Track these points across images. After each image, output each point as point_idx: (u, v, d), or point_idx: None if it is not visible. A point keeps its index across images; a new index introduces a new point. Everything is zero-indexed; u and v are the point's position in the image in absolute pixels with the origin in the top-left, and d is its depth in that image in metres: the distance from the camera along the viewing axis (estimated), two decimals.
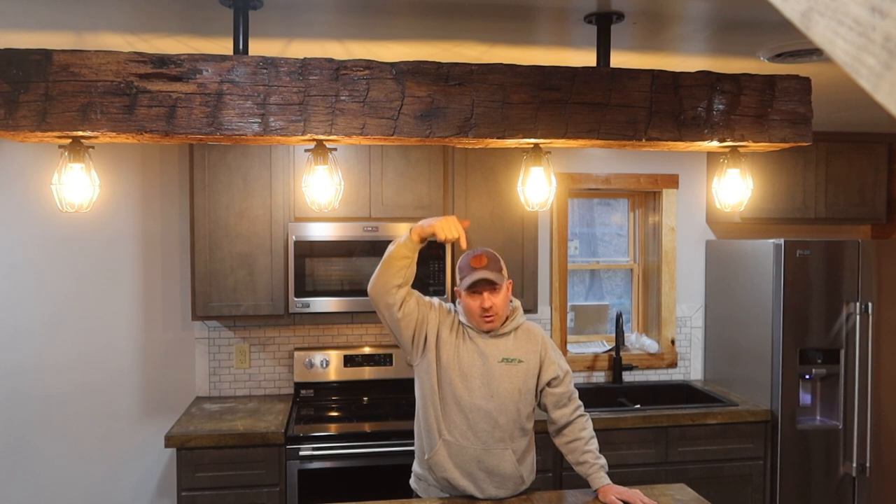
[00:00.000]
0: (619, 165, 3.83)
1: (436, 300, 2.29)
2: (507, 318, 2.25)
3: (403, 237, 2.14)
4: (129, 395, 3.46)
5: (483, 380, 2.18)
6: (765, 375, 3.35)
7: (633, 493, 2.14)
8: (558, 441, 2.29)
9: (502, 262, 2.23)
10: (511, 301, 2.30)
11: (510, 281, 2.25)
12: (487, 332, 2.21)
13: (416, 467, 2.34)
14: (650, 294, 4.05)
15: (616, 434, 3.15)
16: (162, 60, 1.77)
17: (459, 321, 2.26)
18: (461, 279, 2.20)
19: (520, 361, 2.21)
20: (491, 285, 2.15)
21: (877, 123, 3.58)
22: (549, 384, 2.25)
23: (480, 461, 2.19)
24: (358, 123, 1.84)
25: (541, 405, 2.30)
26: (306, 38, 2.17)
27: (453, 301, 2.65)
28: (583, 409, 2.29)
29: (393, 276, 2.13)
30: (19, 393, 3.37)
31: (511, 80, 1.90)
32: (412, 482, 2.36)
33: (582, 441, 2.24)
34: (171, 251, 3.48)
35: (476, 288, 2.16)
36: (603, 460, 2.22)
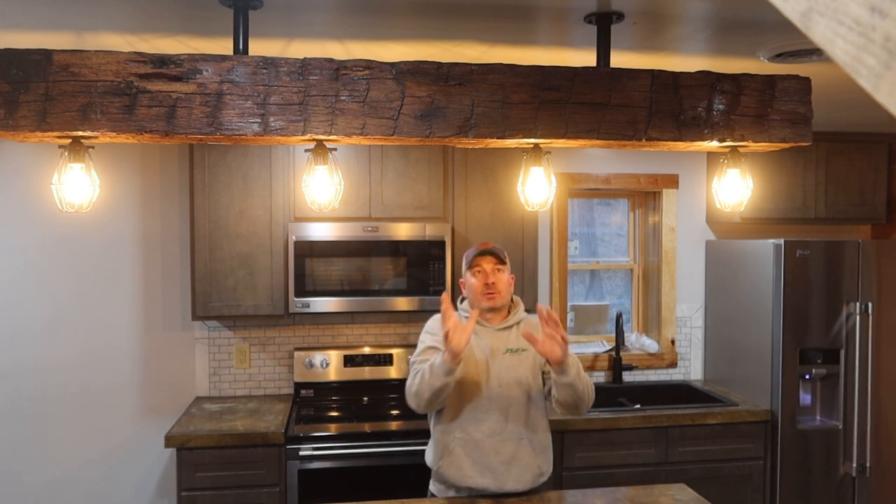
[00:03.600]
0: (619, 165, 3.83)
1: (435, 324, 2.31)
2: (509, 312, 2.36)
3: (441, 366, 2.06)
4: (129, 395, 3.46)
5: (492, 372, 2.25)
6: (765, 375, 3.35)
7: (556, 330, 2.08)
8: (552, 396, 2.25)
9: (507, 256, 2.36)
10: (512, 297, 2.41)
11: (513, 276, 2.39)
12: (491, 309, 2.30)
13: (432, 487, 2.36)
14: (650, 294, 4.05)
15: (616, 434, 3.15)
16: (162, 60, 1.77)
17: (468, 317, 2.29)
18: (466, 262, 2.34)
19: (524, 350, 2.30)
20: (493, 256, 2.27)
21: (877, 123, 3.58)
22: (546, 363, 2.28)
23: (498, 452, 2.22)
24: (358, 123, 1.84)
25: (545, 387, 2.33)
26: (306, 38, 2.17)
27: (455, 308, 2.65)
28: None
29: (445, 397, 2.17)
30: (19, 393, 3.37)
31: (511, 80, 1.90)
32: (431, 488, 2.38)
33: None
34: (171, 251, 3.48)
35: (479, 264, 2.28)
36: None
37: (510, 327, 2.33)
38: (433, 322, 2.36)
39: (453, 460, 2.22)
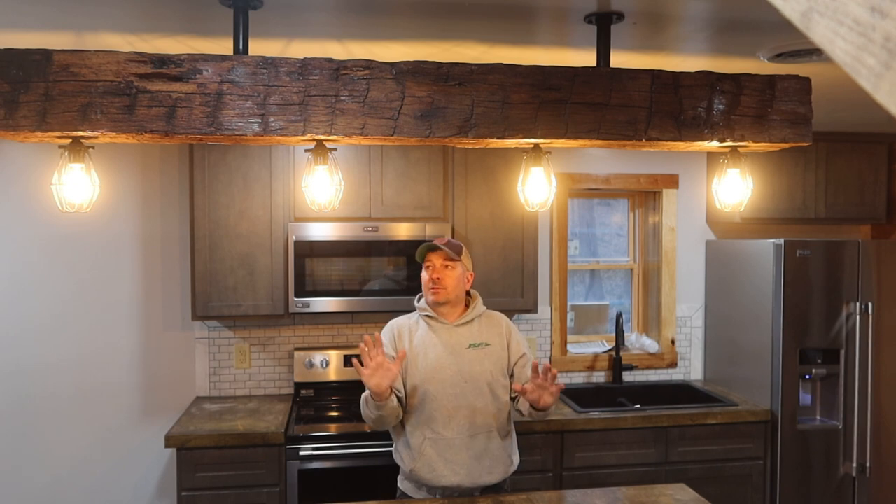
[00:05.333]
0: (619, 165, 3.83)
1: (385, 337, 2.37)
2: (467, 308, 2.40)
3: (369, 402, 2.18)
4: (129, 395, 3.46)
5: (454, 368, 2.28)
6: (765, 375, 3.35)
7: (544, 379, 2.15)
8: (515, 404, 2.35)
9: (465, 252, 2.39)
10: (469, 292, 2.45)
11: (471, 273, 2.43)
12: (436, 304, 2.34)
13: (401, 484, 2.38)
14: (650, 294, 4.05)
15: (616, 434, 3.15)
16: (162, 60, 1.77)
17: (426, 315, 2.37)
18: (418, 257, 2.40)
19: (487, 345, 2.34)
20: (443, 252, 2.32)
21: (877, 123, 3.58)
22: (516, 364, 2.36)
23: (469, 448, 2.24)
24: (358, 123, 1.84)
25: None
26: (306, 38, 2.17)
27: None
28: None
29: (394, 420, 2.26)
30: (20, 393, 3.37)
31: (511, 80, 1.90)
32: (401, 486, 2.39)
33: None
34: (171, 251, 3.48)
35: (429, 260, 2.34)
36: None
37: (470, 322, 2.37)
38: (386, 332, 2.41)
39: (426, 462, 2.24)
